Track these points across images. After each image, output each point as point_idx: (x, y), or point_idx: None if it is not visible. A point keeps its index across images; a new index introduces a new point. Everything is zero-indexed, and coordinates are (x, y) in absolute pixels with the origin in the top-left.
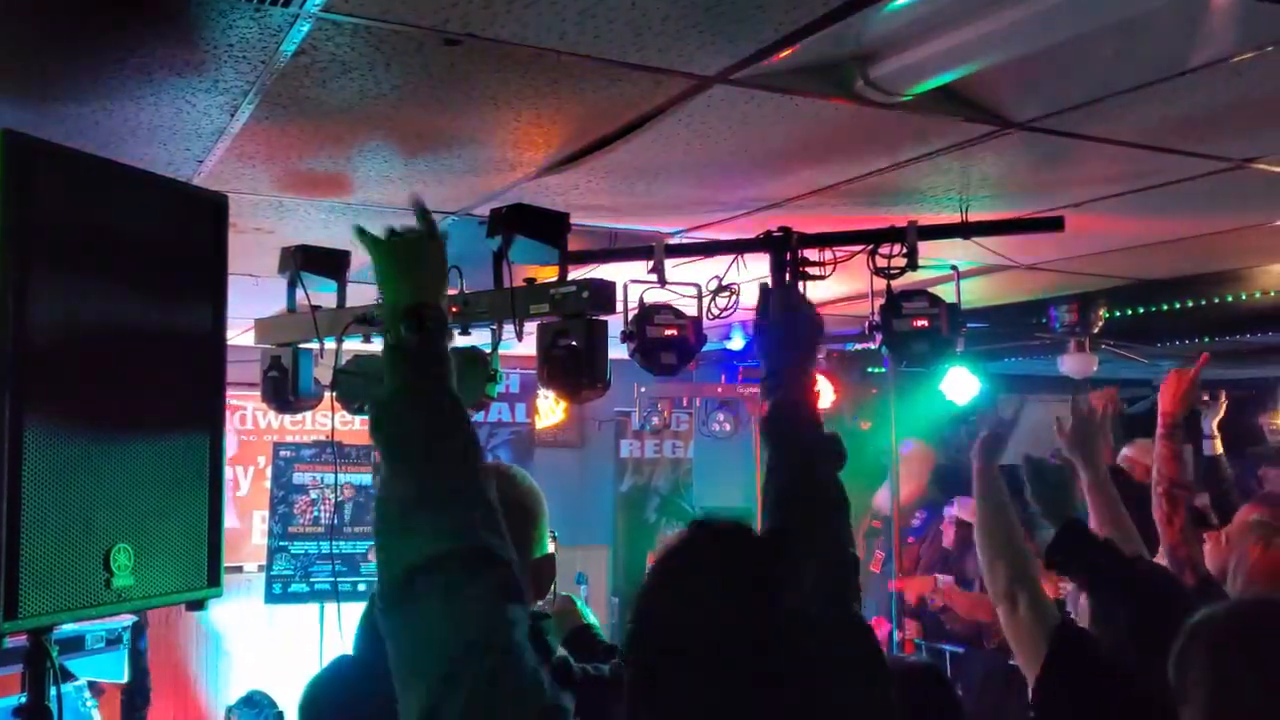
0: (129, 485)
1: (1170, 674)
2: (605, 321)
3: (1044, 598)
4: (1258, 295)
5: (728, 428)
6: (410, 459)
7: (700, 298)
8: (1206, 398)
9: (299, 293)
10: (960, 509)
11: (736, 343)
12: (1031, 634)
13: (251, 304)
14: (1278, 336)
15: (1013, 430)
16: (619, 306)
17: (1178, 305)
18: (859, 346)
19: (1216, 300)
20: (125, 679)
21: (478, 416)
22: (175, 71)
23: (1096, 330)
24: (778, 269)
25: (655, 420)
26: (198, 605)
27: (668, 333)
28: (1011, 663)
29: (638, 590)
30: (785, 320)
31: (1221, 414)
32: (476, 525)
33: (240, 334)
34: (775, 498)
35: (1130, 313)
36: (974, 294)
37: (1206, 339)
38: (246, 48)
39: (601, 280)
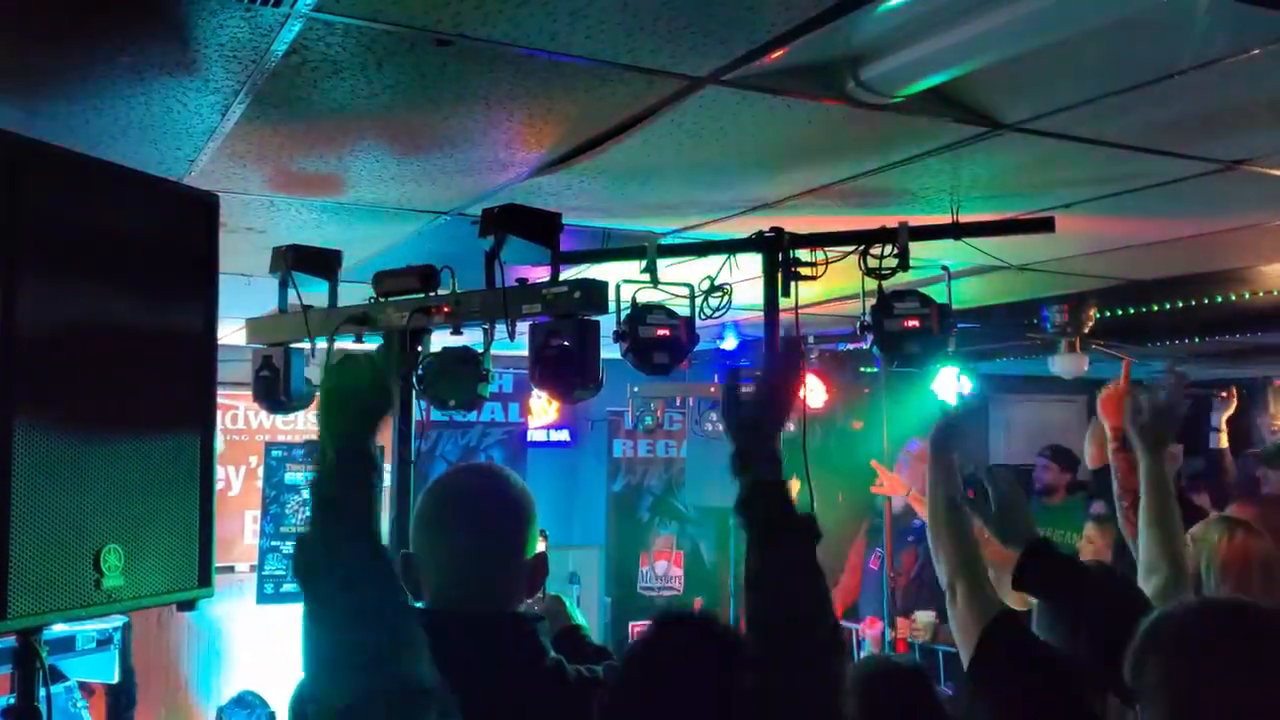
0: (119, 485)
1: (1126, 672)
2: (597, 321)
3: (984, 589)
4: (1247, 296)
5: (721, 427)
6: (323, 605)
7: (693, 298)
8: (1224, 394)
9: (290, 292)
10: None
11: (730, 342)
12: (969, 625)
13: (243, 303)
14: (1268, 337)
15: (972, 420)
16: (611, 306)
17: (1168, 306)
18: (850, 346)
19: (1207, 301)
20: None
21: (470, 416)
22: (166, 71)
23: (1088, 330)
24: (770, 269)
25: (649, 420)
26: (189, 605)
27: (660, 333)
28: None
29: (609, 690)
30: (769, 398)
31: (1233, 409)
32: (397, 663)
33: (232, 333)
34: (755, 605)
35: (1121, 313)
36: (966, 294)
37: (1197, 339)
38: (237, 47)
39: (594, 280)
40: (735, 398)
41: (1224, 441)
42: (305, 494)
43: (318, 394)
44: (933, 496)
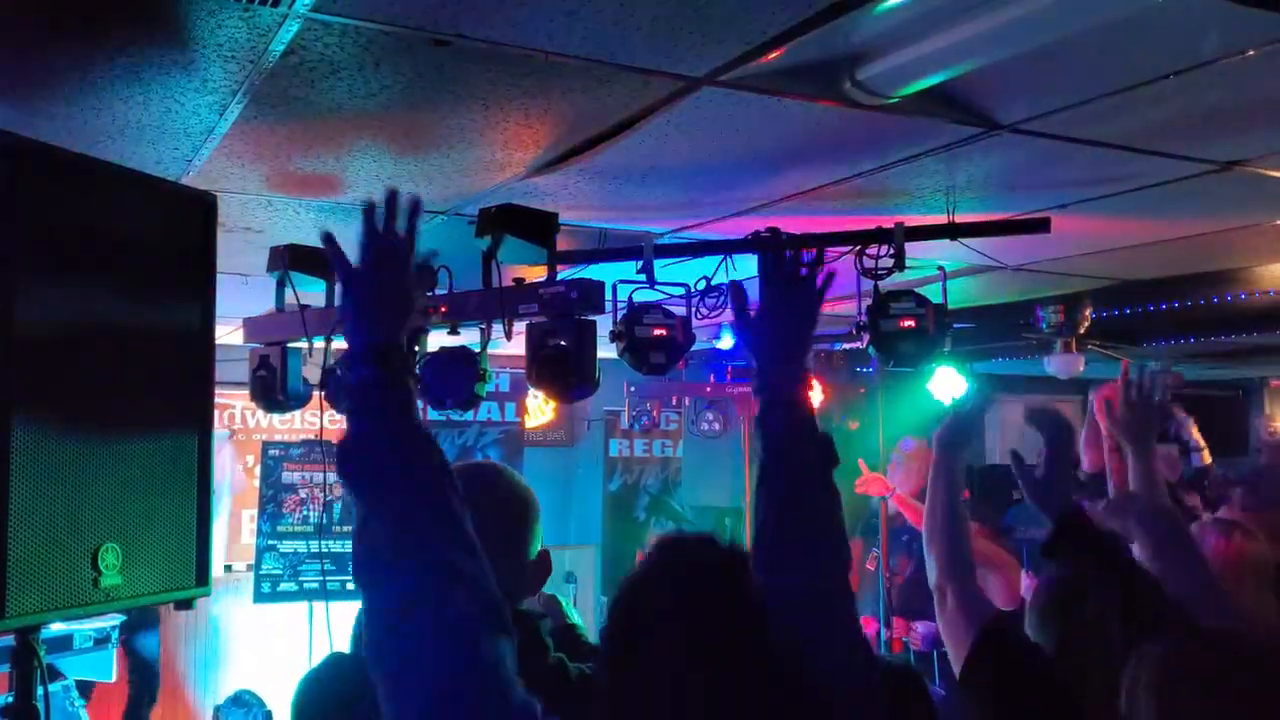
0: (117, 484)
1: (1122, 700)
2: (594, 322)
3: (975, 593)
4: (1243, 296)
5: (717, 427)
6: (384, 498)
7: (689, 298)
8: (1182, 413)
9: (288, 292)
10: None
11: (726, 342)
12: (959, 629)
13: (240, 303)
14: (1264, 337)
15: (978, 420)
16: (608, 306)
17: (1164, 306)
18: (847, 346)
19: (1203, 301)
20: (114, 678)
21: (467, 415)
22: (164, 71)
23: (1083, 330)
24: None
25: (645, 420)
26: (186, 604)
27: (656, 332)
28: None
29: (624, 577)
30: (780, 311)
31: (1194, 426)
32: (460, 556)
33: (229, 333)
34: (769, 504)
35: (1117, 313)
36: (962, 294)
37: (1193, 339)
38: (235, 47)
39: (590, 280)
40: (745, 322)
41: (1207, 458)
42: (302, 494)
43: (343, 294)
44: (933, 495)
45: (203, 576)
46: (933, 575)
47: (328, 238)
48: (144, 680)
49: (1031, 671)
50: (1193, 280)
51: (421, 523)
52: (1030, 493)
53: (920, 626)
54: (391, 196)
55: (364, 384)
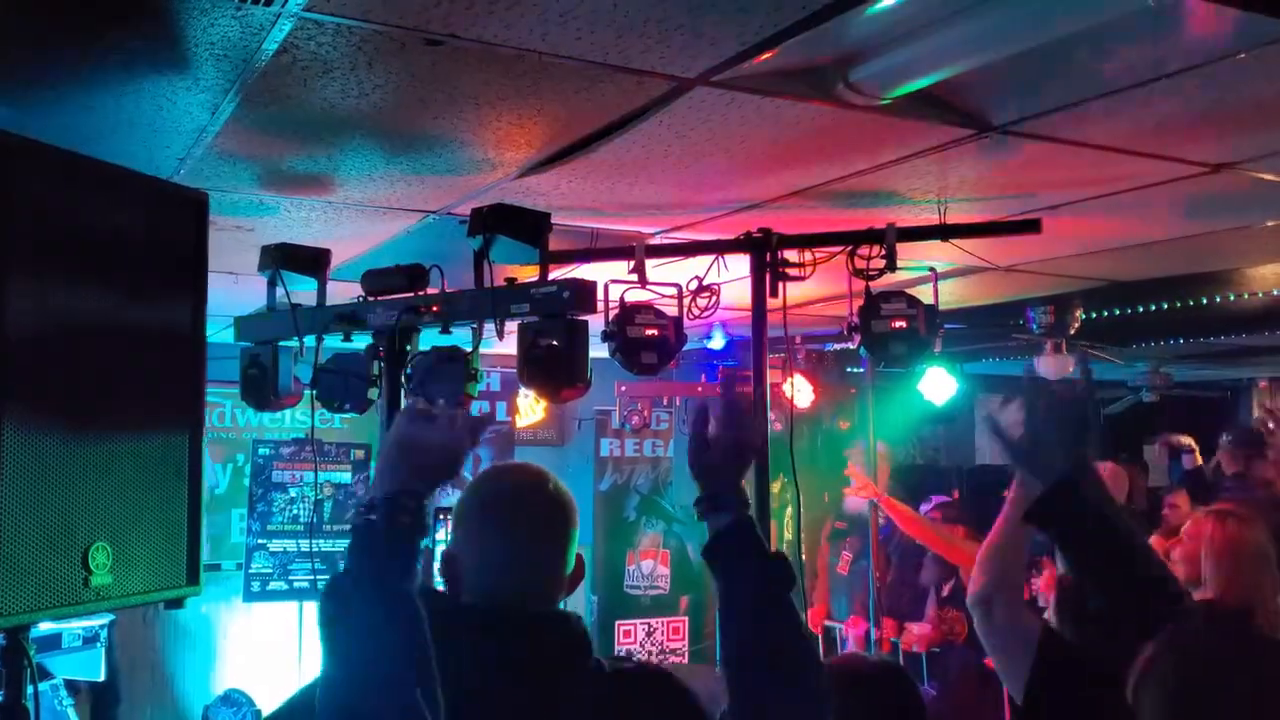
0: (107, 484)
1: (1129, 691)
2: (585, 322)
3: (1022, 605)
4: (1233, 298)
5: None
6: (348, 653)
7: (681, 298)
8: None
9: (279, 291)
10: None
11: (717, 342)
12: (1011, 646)
13: (231, 301)
14: (1252, 338)
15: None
16: (600, 306)
17: (1154, 307)
18: (837, 347)
19: (1193, 303)
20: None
21: None
22: (156, 69)
23: (1073, 331)
24: (758, 270)
25: (634, 420)
26: (177, 603)
27: (648, 332)
28: (985, 660)
29: None
30: (732, 436)
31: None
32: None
33: (220, 331)
34: (735, 654)
35: (1107, 314)
36: (953, 295)
37: (1182, 340)
38: (228, 46)
39: (582, 280)
40: (702, 443)
41: (1199, 459)
42: (293, 493)
43: (387, 441)
44: (1007, 518)
45: (193, 575)
46: (979, 588)
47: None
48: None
49: (1100, 681)
50: (1182, 282)
51: (375, 694)
52: (1012, 456)
53: (915, 628)
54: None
55: (370, 529)
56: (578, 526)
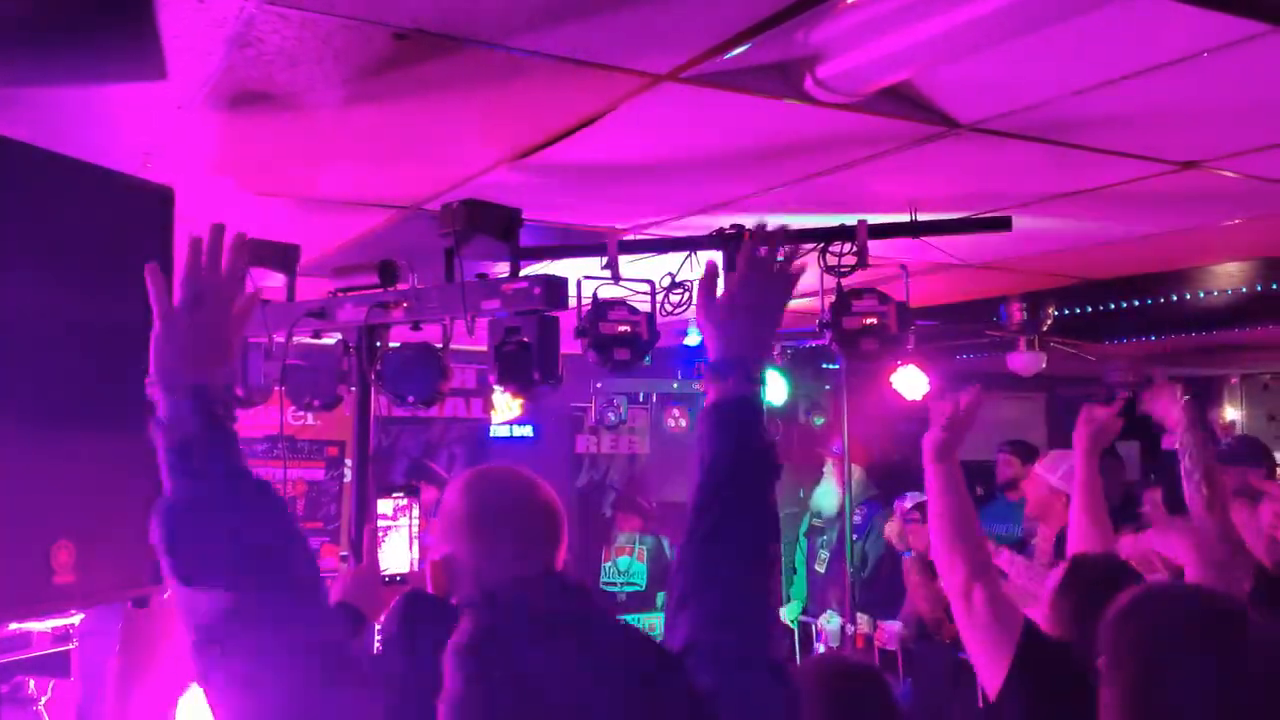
0: (70, 482)
1: (1103, 661)
2: (557, 318)
3: (1002, 592)
4: (1201, 295)
5: (684, 424)
6: (216, 576)
7: (654, 294)
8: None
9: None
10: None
11: (693, 339)
12: (989, 629)
13: None
14: (1221, 335)
15: (971, 422)
16: (572, 302)
17: (1125, 304)
18: (812, 344)
19: (1163, 300)
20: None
21: (432, 411)
22: (121, 63)
23: (1046, 328)
24: (730, 266)
25: (610, 416)
26: (143, 602)
27: (621, 329)
28: (961, 656)
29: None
30: (754, 301)
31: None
32: (316, 630)
33: None
34: (717, 512)
35: (1079, 310)
36: (925, 292)
37: (1153, 337)
38: (192, 38)
39: (554, 276)
40: (712, 300)
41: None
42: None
43: (155, 332)
44: (942, 503)
45: (159, 574)
46: (955, 578)
47: (154, 269)
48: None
49: (1081, 675)
50: (1153, 279)
51: (267, 603)
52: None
53: (888, 625)
54: (216, 231)
55: (183, 438)
56: (564, 536)
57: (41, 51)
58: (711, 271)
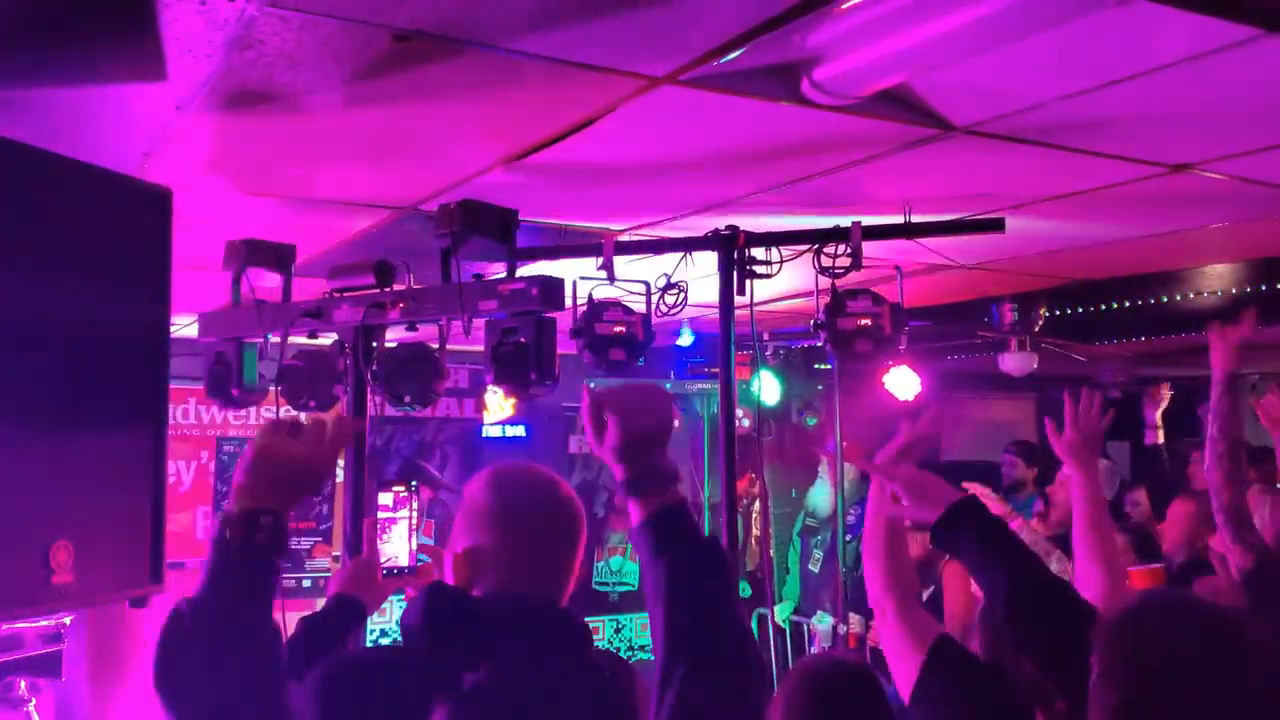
0: (68, 482)
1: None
2: (554, 319)
3: (916, 608)
4: (1191, 296)
5: (675, 424)
6: (207, 674)
7: (649, 295)
8: (1154, 389)
9: (244, 287)
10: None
11: (686, 339)
12: (905, 647)
13: (195, 296)
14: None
15: (931, 442)
16: (568, 302)
17: (1116, 305)
18: (805, 344)
19: (1154, 300)
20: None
21: (425, 411)
22: (119, 63)
23: (1037, 329)
24: (725, 267)
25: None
26: (141, 602)
27: (616, 329)
28: None
29: None
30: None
31: (1165, 405)
32: None
33: (184, 326)
34: (683, 644)
35: (1070, 311)
36: (918, 292)
37: (1144, 338)
38: (192, 40)
39: (550, 277)
40: (599, 427)
41: (1160, 438)
42: None
43: (246, 454)
44: (873, 516)
45: (157, 574)
46: (872, 592)
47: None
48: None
49: (989, 686)
50: (1144, 280)
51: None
52: None
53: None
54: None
55: (226, 549)
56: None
57: (40, 52)
58: (588, 403)
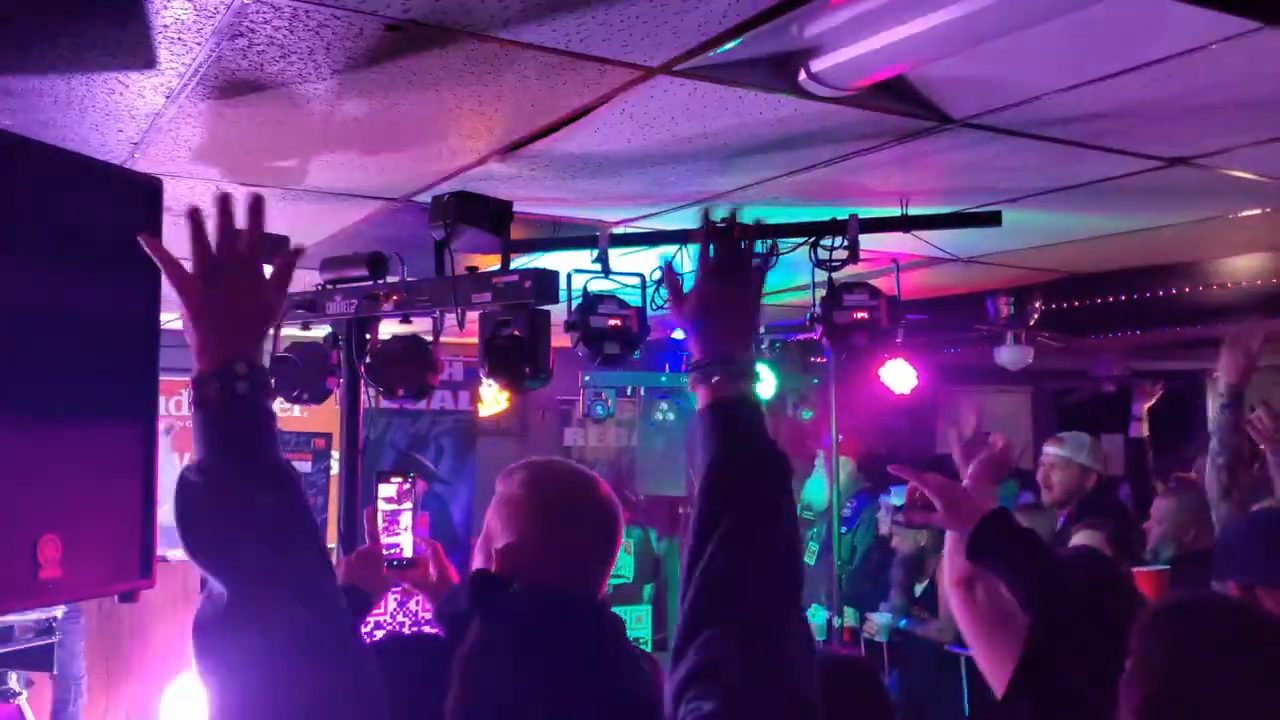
0: (58, 475)
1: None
2: (548, 311)
3: (1000, 586)
4: (1188, 291)
5: (671, 417)
6: (226, 555)
7: (644, 288)
8: (1146, 385)
9: None
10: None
11: (680, 331)
12: (989, 620)
13: None
14: (1207, 329)
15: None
16: (562, 295)
17: (1111, 299)
18: (800, 337)
19: (1150, 294)
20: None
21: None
22: (108, 52)
23: (1033, 323)
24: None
25: (598, 409)
26: (130, 597)
27: (611, 323)
28: (949, 648)
29: None
30: (729, 291)
31: (1154, 401)
32: (316, 621)
33: (175, 318)
34: (723, 528)
35: (1066, 305)
36: (915, 286)
37: (1139, 331)
38: (182, 29)
39: (545, 270)
40: (679, 298)
41: (1144, 431)
42: None
43: (191, 313)
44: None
45: (147, 568)
46: (955, 570)
47: (151, 242)
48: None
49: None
50: (1139, 274)
51: (270, 591)
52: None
53: (877, 617)
54: (223, 200)
55: (211, 413)
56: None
57: (27, 40)
58: (668, 272)
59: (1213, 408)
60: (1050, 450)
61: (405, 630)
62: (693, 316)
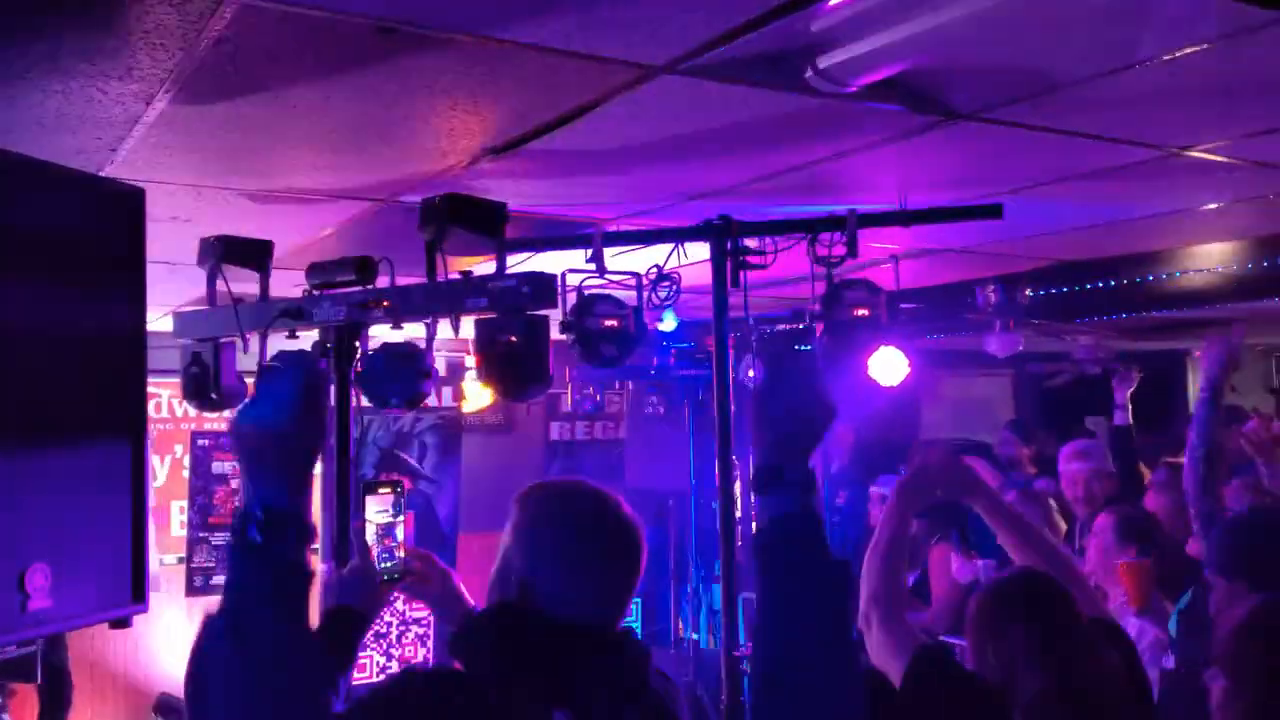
0: (44, 500)
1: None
2: (546, 318)
3: (901, 620)
4: (1177, 275)
5: (661, 410)
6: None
7: (640, 287)
8: (1125, 370)
9: (219, 285)
10: (885, 487)
11: (669, 324)
12: (888, 656)
13: (168, 289)
14: (1190, 312)
15: (943, 475)
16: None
17: (1099, 285)
18: (784, 327)
19: (1138, 280)
20: (40, 681)
21: None
22: (86, 58)
23: (1022, 309)
24: (718, 257)
25: (586, 404)
26: (122, 624)
27: (607, 323)
28: (942, 638)
29: None
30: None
31: (1134, 386)
32: None
33: (156, 320)
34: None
35: (1054, 291)
36: (906, 275)
37: (1124, 315)
38: (164, 34)
39: (542, 274)
40: (765, 400)
41: (1129, 418)
42: (234, 484)
43: (238, 429)
44: (882, 532)
45: (139, 592)
46: (863, 596)
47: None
48: (55, 688)
49: (973, 692)
50: (1125, 260)
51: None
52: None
53: None
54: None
55: (248, 558)
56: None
57: (2, 45)
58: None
59: (1195, 397)
60: (1079, 465)
61: (416, 667)
62: (751, 426)
